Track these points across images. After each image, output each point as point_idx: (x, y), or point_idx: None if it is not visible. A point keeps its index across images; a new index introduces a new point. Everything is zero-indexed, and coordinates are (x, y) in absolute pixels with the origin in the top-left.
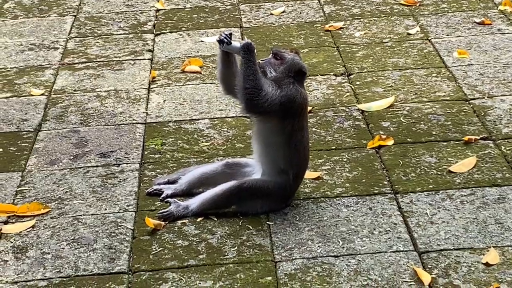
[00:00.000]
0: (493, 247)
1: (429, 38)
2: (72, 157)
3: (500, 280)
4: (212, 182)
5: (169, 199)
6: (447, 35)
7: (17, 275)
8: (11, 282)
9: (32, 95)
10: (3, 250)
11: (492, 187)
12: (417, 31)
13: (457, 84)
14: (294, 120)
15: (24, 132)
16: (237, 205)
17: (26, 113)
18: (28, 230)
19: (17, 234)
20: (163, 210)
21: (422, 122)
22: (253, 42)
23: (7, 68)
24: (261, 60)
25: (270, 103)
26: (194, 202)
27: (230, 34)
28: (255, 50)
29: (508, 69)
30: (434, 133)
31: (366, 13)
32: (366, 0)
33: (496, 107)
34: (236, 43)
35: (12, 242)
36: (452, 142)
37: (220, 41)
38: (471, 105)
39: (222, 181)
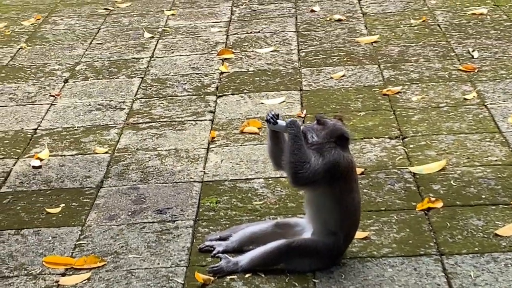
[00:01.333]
0: None
1: (485, 104)
2: (130, 213)
3: None
4: (262, 240)
5: (220, 254)
6: (504, 101)
7: None
8: None
9: (96, 153)
10: None
11: None
12: (474, 96)
13: (510, 149)
14: (341, 183)
15: (86, 189)
16: (286, 263)
17: (89, 170)
18: (83, 282)
19: (73, 286)
20: (213, 265)
21: (472, 186)
22: (303, 113)
23: (75, 127)
24: (304, 126)
25: (314, 173)
26: (243, 259)
27: (277, 114)
28: (301, 127)
29: None
30: (483, 196)
31: (425, 78)
32: (426, 66)
33: None
34: (282, 122)
35: None
36: (500, 206)
37: (267, 121)
38: None
39: (271, 240)
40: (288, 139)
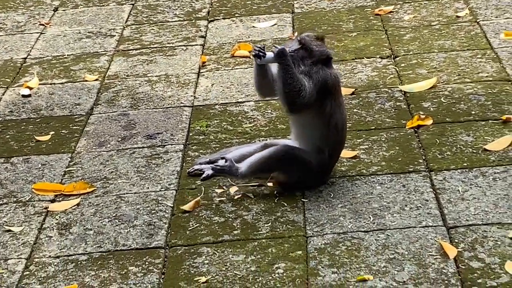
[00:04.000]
0: None
1: (478, 20)
2: (120, 139)
3: None
4: None
5: (226, 156)
6: (496, 17)
7: (59, 250)
8: (54, 257)
9: (86, 81)
10: (48, 227)
11: None
12: (466, 13)
13: (501, 65)
14: (331, 100)
15: (76, 116)
16: (279, 170)
17: (79, 98)
18: (73, 208)
19: (62, 212)
20: (217, 164)
21: (462, 102)
22: (300, 33)
23: (65, 55)
24: (290, 51)
25: (310, 98)
26: (243, 165)
27: (263, 46)
28: (288, 54)
29: None
30: (473, 112)
31: None
32: None
33: None
34: (270, 53)
35: (57, 219)
36: (490, 121)
37: (256, 56)
38: None
39: None
40: (278, 69)
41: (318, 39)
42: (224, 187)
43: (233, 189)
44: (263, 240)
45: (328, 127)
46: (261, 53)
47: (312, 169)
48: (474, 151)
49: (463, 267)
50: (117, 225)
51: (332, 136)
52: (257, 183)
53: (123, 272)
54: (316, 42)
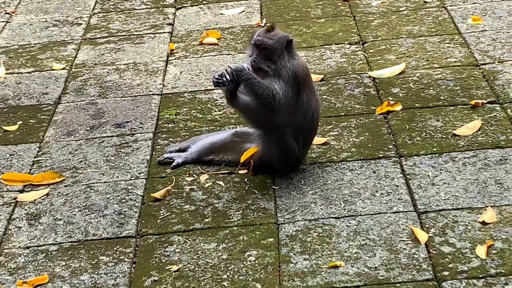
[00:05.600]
0: (491, 206)
1: (445, 6)
2: (88, 128)
3: (495, 237)
4: (221, 150)
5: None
6: (463, 2)
7: (29, 240)
8: (24, 247)
9: (53, 70)
10: (17, 217)
11: (495, 149)
12: None
13: (469, 50)
14: (305, 89)
15: (44, 105)
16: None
17: (47, 87)
18: (42, 198)
19: (31, 202)
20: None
21: (431, 88)
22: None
23: (31, 44)
24: (253, 61)
25: (285, 97)
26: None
27: (221, 73)
28: (246, 66)
29: None
30: (442, 98)
31: None
32: None
33: (506, 72)
34: (228, 76)
35: (26, 210)
36: (459, 106)
37: (221, 84)
38: (481, 70)
39: (231, 149)
40: (244, 85)
41: (269, 31)
42: (194, 175)
43: (203, 177)
44: (235, 228)
45: (305, 118)
46: (220, 83)
47: (291, 154)
48: (444, 136)
49: (434, 252)
50: (87, 215)
51: (307, 125)
52: (227, 171)
53: (94, 262)
54: (269, 35)
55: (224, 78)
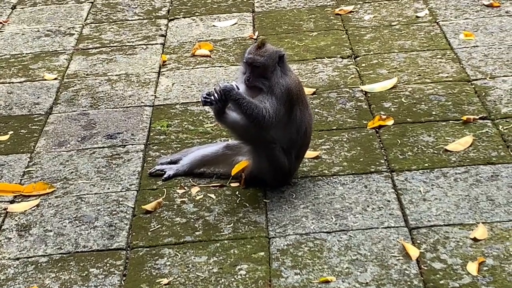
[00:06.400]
0: (482, 223)
1: (437, 21)
2: (80, 139)
3: (486, 254)
4: (213, 163)
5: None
6: (455, 18)
7: (19, 251)
8: (13, 259)
9: (45, 80)
10: (7, 228)
11: (487, 165)
12: (426, 13)
13: (461, 65)
14: (299, 104)
15: (35, 115)
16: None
17: (38, 97)
18: (32, 209)
19: (21, 213)
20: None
21: (423, 103)
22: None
23: (23, 53)
24: (247, 80)
25: (277, 113)
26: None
27: (209, 92)
28: (235, 84)
29: None
30: (434, 113)
31: None
32: None
33: (497, 88)
34: (215, 95)
35: (16, 221)
36: (451, 121)
37: (209, 103)
38: (473, 86)
39: (223, 162)
40: (233, 104)
41: (260, 47)
42: (185, 188)
43: (194, 190)
44: (225, 241)
45: (298, 133)
46: (207, 101)
47: (276, 171)
48: (435, 151)
49: (425, 268)
50: (77, 226)
51: (300, 140)
52: (218, 184)
53: (84, 274)
54: (260, 51)
55: (212, 97)
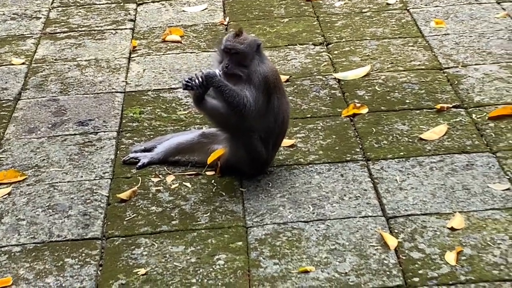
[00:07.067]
0: (459, 212)
1: (408, 8)
2: (50, 126)
3: (464, 244)
4: (188, 151)
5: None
6: (426, 5)
7: None
8: None
9: (12, 64)
10: None
11: (461, 154)
12: (396, 1)
13: (433, 53)
14: (276, 92)
15: (3, 101)
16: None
17: (6, 82)
18: (4, 197)
19: None
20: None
21: (396, 91)
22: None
23: None
24: (226, 67)
25: (256, 101)
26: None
27: (191, 77)
28: (217, 71)
29: (483, 38)
30: (407, 101)
31: None
32: None
33: (469, 76)
34: (197, 81)
35: None
36: (424, 110)
37: (190, 88)
38: (445, 74)
39: (198, 150)
40: (215, 91)
41: (238, 35)
42: (160, 176)
43: (170, 178)
44: (203, 231)
45: (275, 121)
46: (189, 86)
47: (259, 158)
48: (410, 140)
49: (404, 257)
50: (51, 215)
51: (277, 128)
52: (194, 172)
53: (59, 264)
54: (239, 39)
55: (194, 82)
